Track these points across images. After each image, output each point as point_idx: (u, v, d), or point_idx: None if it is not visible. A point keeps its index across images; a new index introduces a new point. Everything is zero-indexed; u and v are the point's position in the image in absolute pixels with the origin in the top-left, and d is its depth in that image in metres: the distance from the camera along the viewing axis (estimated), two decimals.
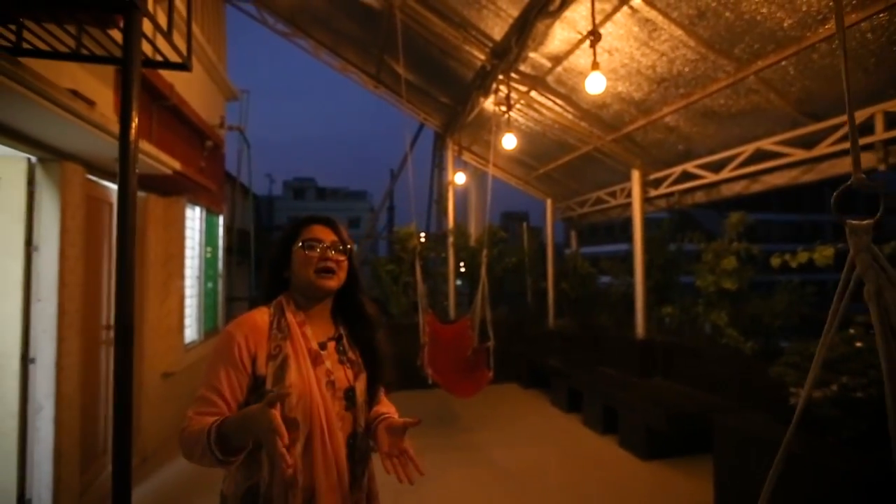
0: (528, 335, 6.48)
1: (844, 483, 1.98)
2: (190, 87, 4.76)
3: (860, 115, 2.87)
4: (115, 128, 2.51)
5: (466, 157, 6.72)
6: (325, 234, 1.19)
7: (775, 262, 3.03)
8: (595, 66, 2.65)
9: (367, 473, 1.18)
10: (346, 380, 1.16)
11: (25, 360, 2.61)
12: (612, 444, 4.06)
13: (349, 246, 1.22)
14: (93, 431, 3.26)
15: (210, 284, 5.35)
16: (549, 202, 6.96)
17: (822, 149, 3.14)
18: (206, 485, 3.38)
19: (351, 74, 6.65)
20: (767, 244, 3.99)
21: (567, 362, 5.38)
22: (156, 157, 3.01)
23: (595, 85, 2.68)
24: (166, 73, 3.99)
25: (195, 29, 4.67)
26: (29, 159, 2.67)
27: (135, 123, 1.46)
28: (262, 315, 1.15)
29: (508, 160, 6.52)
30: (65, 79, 2.47)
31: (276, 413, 0.90)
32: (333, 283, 1.17)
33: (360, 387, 1.18)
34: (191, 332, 4.78)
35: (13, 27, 1.70)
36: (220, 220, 5.71)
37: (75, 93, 2.17)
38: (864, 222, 0.66)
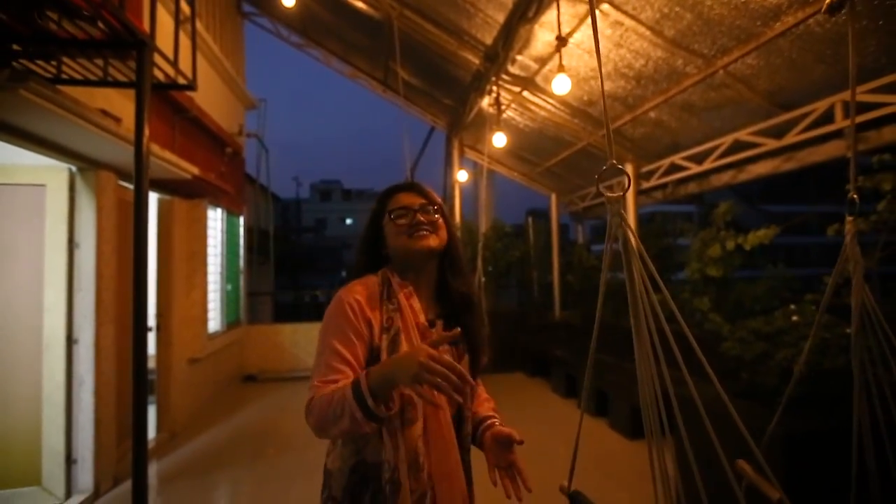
0: (533, 326, 6.69)
1: (776, 440, 2.17)
2: (209, 99, 5.21)
3: (822, 105, 3.00)
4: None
5: (471, 154, 6.99)
6: (412, 200, 1.12)
7: (730, 244, 3.20)
8: (561, 68, 2.88)
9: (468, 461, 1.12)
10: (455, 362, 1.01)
11: (70, 341, 3.05)
12: (602, 425, 4.27)
13: (439, 206, 1.14)
14: (127, 410, 3.70)
15: (232, 281, 5.81)
16: (553, 197, 7.16)
17: (790, 137, 3.27)
18: (226, 459, 3.79)
19: (360, 80, 7.02)
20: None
21: (569, 351, 5.59)
22: (176, 164, 3.42)
23: (561, 86, 2.91)
24: None
25: (213, 45, 5.12)
26: (70, 169, 3.10)
27: (146, 135, 1.80)
28: (372, 282, 1.09)
29: (512, 157, 6.75)
30: (98, 100, 2.88)
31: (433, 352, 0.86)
32: (433, 241, 1.08)
33: (463, 367, 1.02)
34: (214, 324, 5.24)
35: (54, 62, 2.09)
36: (241, 220, 6.17)
37: (105, 112, 2.56)
38: (617, 195, 0.93)
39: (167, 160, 3.24)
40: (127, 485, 3.26)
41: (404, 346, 1.02)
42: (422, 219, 1.09)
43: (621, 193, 0.95)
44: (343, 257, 31.36)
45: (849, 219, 1.04)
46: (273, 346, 6.52)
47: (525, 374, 6.33)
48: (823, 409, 2.23)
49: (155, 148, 3.09)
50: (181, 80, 2.26)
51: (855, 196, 1.05)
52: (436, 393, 0.92)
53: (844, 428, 1.20)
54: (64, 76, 2.15)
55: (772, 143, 3.43)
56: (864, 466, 1.08)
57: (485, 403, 1.24)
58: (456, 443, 1.04)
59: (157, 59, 2.04)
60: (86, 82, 2.16)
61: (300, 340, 6.56)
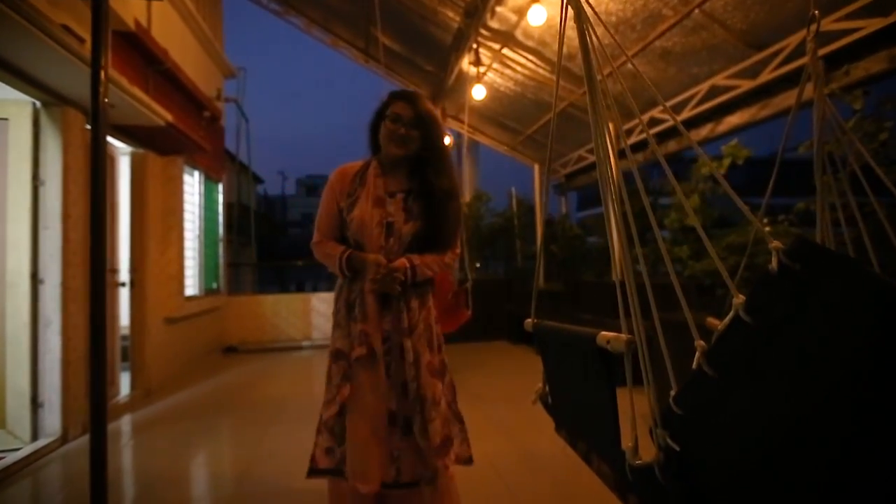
0: (517, 295, 6.70)
1: None
2: (186, 58, 5.10)
3: (794, 40, 3.03)
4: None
5: (452, 124, 6.95)
6: (405, 110, 1.51)
7: (704, 170, 3.22)
8: None
9: (410, 306, 1.52)
10: (403, 223, 1.51)
11: (35, 279, 2.95)
12: None
13: (426, 120, 1.52)
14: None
15: (210, 247, 5.70)
16: (536, 167, 7.16)
17: (764, 76, 3.30)
18: (201, 411, 3.71)
19: (342, 49, 6.94)
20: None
21: (552, 315, 5.59)
22: (147, 105, 3.32)
23: (536, 17, 2.89)
24: (160, 38, 4.32)
25: (188, 2, 5.01)
26: (34, 104, 3.00)
27: (108, 48, 1.70)
28: (352, 167, 1.62)
29: (494, 125, 6.74)
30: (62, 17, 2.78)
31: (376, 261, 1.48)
32: (400, 150, 1.52)
33: (408, 230, 1.50)
34: (192, 288, 5.13)
35: None
36: (220, 187, 6.06)
37: (67, 28, 2.47)
38: None
39: (136, 98, 3.15)
40: None
41: (358, 207, 1.52)
42: (402, 131, 1.50)
43: None
44: None
45: (811, 29, 1.02)
46: (255, 316, 6.43)
47: (510, 342, 6.33)
48: None
49: (122, 81, 3.00)
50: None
51: (816, 12, 1.04)
52: (372, 243, 1.52)
53: None
54: None
55: (746, 84, 3.46)
56: None
57: (421, 258, 1.55)
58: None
59: None
60: None
61: (282, 311, 6.48)
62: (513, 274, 7.22)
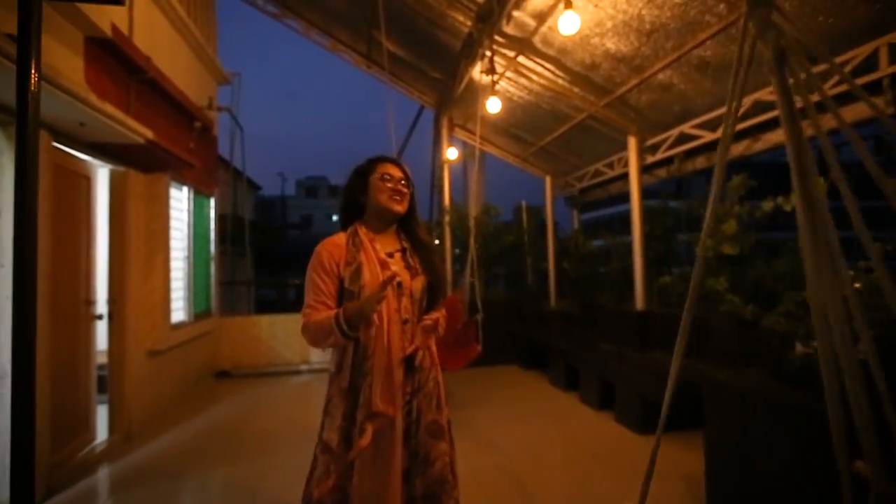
0: (528, 316, 6.31)
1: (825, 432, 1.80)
2: (175, 65, 4.71)
3: (863, 51, 2.64)
4: (66, 83, 2.44)
5: (460, 134, 6.57)
6: (396, 171, 1.55)
7: (767, 206, 2.81)
8: (568, 3, 2.47)
9: (422, 365, 1.50)
10: (409, 280, 1.50)
11: None
12: (607, 419, 3.90)
13: (412, 183, 1.60)
14: (70, 407, 3.23)
15: (201, 267, 5.31)
16: (547, 179, 6.77)
17: (826, 91, 2.90)
18: (183, 464, 3.32)
19: (342, 54, 6.55)
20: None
21: (567, 341, 5.21)
22: (122, 121, 2.94)
23: (568, 25, 2.50)
24: (145, 44, 3.93)
25: (177, 5, 4.62)
26: None
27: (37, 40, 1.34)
28: (339, 237, 1.53)
29: (503, 135, 6.35)
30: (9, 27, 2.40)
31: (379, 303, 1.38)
32: (401, 207, 1.54)
33: (417, 286, 1.51)
34: (180, 313, 4.74)
35: None
36: (212, 202, 5.67)
37: (11, 36, 2.08)
38: None
39: (107, 114, 2.76)
40: (63, 495, 2.81)
41: (365, 273, 1.45)
42: (401, 188, 1.54)
43: None
44: None
45: None
46: (249, 338, 6.04)
47: (520, 367, 5.94)
48: None
49: (90, 97, 2.61)
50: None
51: None
52: (384, 311, 1.44)
53: None
54: None
55: (798, 102, 3.06)
56: None
57: (434, 313, 1.57)
58: (399, 340, 1.46)
59: None
60: None
61: (278, 332, 6.09)
62: (522, 293, 6.82)
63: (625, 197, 4.98)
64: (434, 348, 1.55)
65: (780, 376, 2.36)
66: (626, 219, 4.89)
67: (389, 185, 1.52)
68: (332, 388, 1.49)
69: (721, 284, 3.64)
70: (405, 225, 1.59)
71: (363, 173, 1.56)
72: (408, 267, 1.52)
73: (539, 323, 6.13)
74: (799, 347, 2.45)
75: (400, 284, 1.47)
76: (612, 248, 6.41)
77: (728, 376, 2.49)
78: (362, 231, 1.53)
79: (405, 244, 1.57)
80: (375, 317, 1.41)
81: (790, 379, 2.10)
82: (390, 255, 1.52)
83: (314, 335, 1.43)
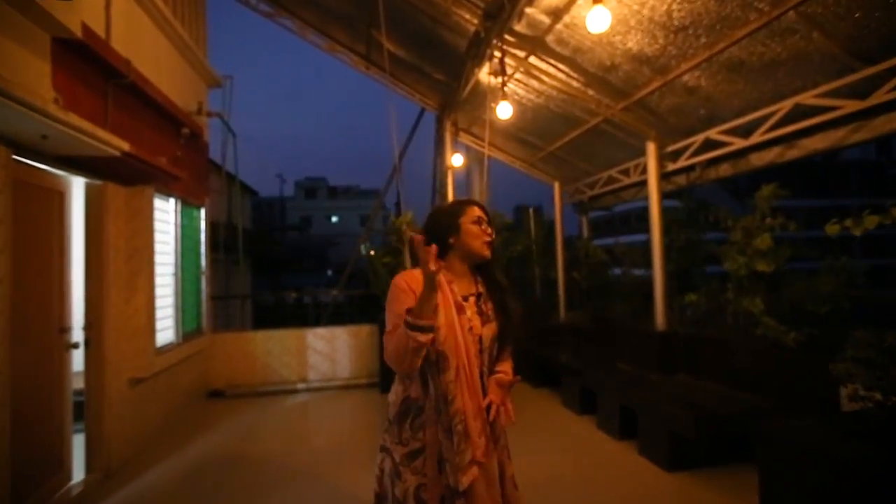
0: (537, 329, 5.99)
1: None
2: (160, 68, 4.39)
3: None
4: (25, 94, 2.12)
5: (465, 138, 6.24)
6: (483, 215, 1.57)
7: (832, 229, 2.49)
8: None
9: (498, 420, 1.51)
10: (480, 327, 1.49)
11: None
12: (629, 451, 3.57)
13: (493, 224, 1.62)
14: (42, 446, 2.92)
15: (191, 283, 4.99)
16: (556, 186, 6.45)
17: (879, 96, 2.59)
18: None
19: (340, 55, 6.23)
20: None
21: (580, 358, 4.89)
22: (90, 133, 2.61)
23: (597, 22, 2.19)
24: (125, 46, 3.61)
25: (160, 4, 4.30)
26: None
27: None
28: (419, 271, 1.44)
29: (510, 140, 6.02)
30: None
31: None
32: (489, 253, 1.55)
33: (488, 333, 1.50)
34: (168, 333, 4.42)
35: None
36: (202, 213, 5.35)
37: None
38: None
39: (72, 125, 2.43)
40: None
41: (441, 315, 1.43)
42: (490, 232, 1.58)
43: None
44: (329, 256, 30.25)
45: None
46: (244, 355, 5.72)
47: (529, 385, 5.62)
48: None
49: (48, 108, 2.28)
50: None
51: None
52: (462, 353, 1.43)
53: None
54: None
55: (852, 106, 2.75)
56: None
57: (503, 364, 1.59)
58: (481, 390, 1.47)
59: None
60: None
61: (274, 349, 5.77)
62: (529, 304, 6.49)
63: (642, 222, 4.65)
64: (509, 405, 1.54)
65: (853, 431, 2.05)
66: (628, 218, 4.56)
67: (484, 229, 1.54)
68: (418, 425, 1.45)
69: (756, 306, 3.33)
70: (482, 266, 1.59)
71: (454, 215, 1.55)
72: (479, 313, 1.52)
73: (549, 337, 5.81)
74: (860, 390, 2.14)
75: (471, 330, 1.47)
76: (622, 253, 6.09)
77: (785, 428, 2.17)
78: (442, 272, 1.45)
79: (480, 289, 1.57)
80: (454, 361, 1.41)
81: (868, 435, 1.78)
82: (465, 300, 1.51)
83: (394, 352, 1.37)
